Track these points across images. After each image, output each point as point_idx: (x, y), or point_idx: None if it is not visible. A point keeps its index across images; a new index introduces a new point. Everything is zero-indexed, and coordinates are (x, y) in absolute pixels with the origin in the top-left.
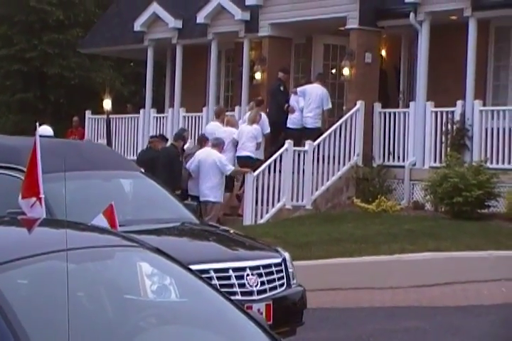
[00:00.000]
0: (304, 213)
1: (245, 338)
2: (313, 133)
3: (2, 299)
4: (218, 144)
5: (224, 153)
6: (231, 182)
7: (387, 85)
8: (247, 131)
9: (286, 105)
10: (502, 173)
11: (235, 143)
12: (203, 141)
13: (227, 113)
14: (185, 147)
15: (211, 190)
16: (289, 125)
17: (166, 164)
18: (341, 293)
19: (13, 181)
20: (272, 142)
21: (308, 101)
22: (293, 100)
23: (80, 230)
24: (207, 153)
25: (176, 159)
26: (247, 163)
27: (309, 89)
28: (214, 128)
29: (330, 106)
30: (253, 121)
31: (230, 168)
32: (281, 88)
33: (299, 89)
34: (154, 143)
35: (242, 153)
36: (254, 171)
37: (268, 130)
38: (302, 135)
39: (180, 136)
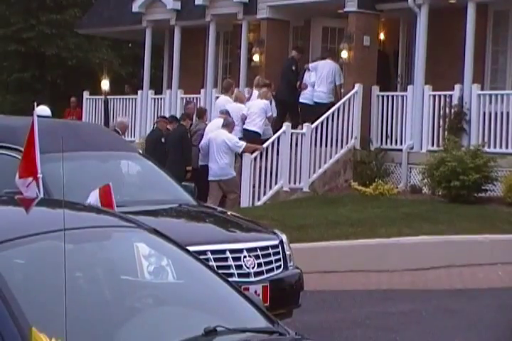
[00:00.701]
0: (302, 196)
1: (242, 319)
2: (327, 108)
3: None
4: (228, 125)
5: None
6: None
7: (389, 68)
8: (257, 106)
9: (299, 82)
10: (499, 157)
11: (244, 118)
12: (202, 113)
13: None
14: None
15: (222, 170)
16: (301, 100)
17: (175, 144)
18: (337, 275)
19: (9, 161)
20: (281, 120)
21: (320, 76)
22: (306, 76)
23: (77, 210)
24: (217, 133)
25: (185, 138)
26: (254, 138)
27: (321, 64)
28: (224, 102)
29: (342, 81)
30: (265, 96)
31: (242, 144)
32: (293, 67)
33: (311, 64)
34: (161, 123)
35: (250, 127)
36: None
37: (275, 113)
38: (315, 110)
39: (188, 115)
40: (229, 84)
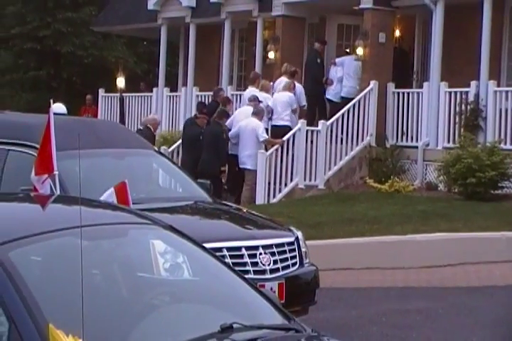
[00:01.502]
0: (317, 193)
1: (258, 316)
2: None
3: (16, 275)
4: (258, 112)
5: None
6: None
7: (408, 65)
8: (281, 100)
9: (325, 78)
10: None
11: (270, 111)
12: (225, 102)
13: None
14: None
15: (249, 158)
16: (328, 96)
17: (210, 143)
18: (353, 272)
19: (26, 158)
20: (309, 114)
21: (348, 71)
22: (332, 71)
23: (93, 207)
24: (247, 121)
25: (221, 137)
26: (284, 131)
27: (348, 60)
28: (251, 94)
29: None
30: (288, 89)
31: (265, 136)
32: (318, 60)
33: (337, 59)
34: (200, 120)
35: (279, 122)
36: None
37: (304, 102)
38: (341, 106)
39: (224, 113)
40: (255, 76)
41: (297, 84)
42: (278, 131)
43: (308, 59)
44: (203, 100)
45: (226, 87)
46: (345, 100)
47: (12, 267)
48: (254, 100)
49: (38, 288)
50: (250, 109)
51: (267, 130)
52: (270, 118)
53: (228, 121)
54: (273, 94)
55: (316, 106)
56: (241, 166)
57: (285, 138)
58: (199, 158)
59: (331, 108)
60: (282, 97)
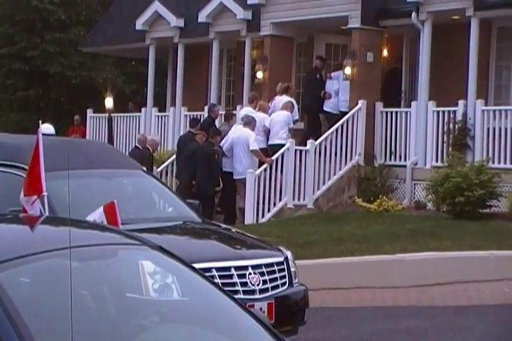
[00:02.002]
0: (306, 212)
1: (248, 336)
2: None
3: (5, 297)
4: (249, 122)
5: (256, 136)
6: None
7: (400, 84)
8: (279, 119)
9: (323, 92)
10: (504, 173)
11: (267, 131)
12: (229, 116)
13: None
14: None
15: (245, 169)
16: (326, 109)
17: (203, 163)
18: (343, 292)
19: (14, 179)
20: (308, 129)
21: (342, 86)
22: (328, 84)
23: (82, 228)
24: (240, 132)
25: (213, 158)
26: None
27: (342, 74)
28: (247, 112)
29: None
30: (286, 108)
31: (255, 147)
32: (318, 76)
33: (333, 73)
34: (199, 136)
35: (275, 141)
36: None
37: (297, 117)
38: (340, 119)
39: (217, 132)
40: (254, 96)
41: (290, 99)
42: (275, 150)
43: (308, 76)
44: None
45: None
46: (343, 113)
47: (0, 288)
48: (246, 117)
49: (26, 310)
50: (243, 129)
51: (265, 149)
52: (267, 138)
53: (223, 141)
54: (271, 113)
55: (317, 122)
56: (236, 177)
57: (274, 157)
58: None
59: (331, 120)
60: (279, 116)
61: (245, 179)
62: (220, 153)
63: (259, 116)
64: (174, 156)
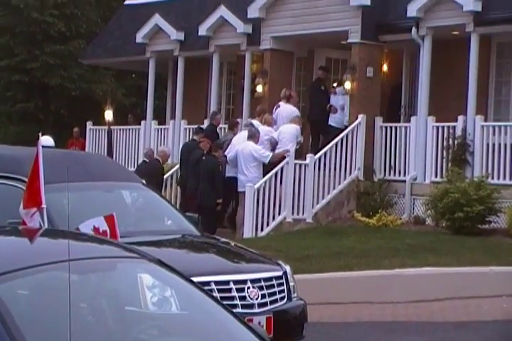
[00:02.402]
0: (305, 226)
1: None
2: None
3: (4, 309)
4: (253, 135)
5: (261, 151)
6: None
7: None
8: (288, 132)
9: (329, 105)
10: (503, 189)
11: (274, 143)
12: (233, 125)
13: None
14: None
15: (250, 181)
16: (331, 123)
17: (207, 177)
18: (341, 307)
19: (14, 191)
20: (313, 141)
21: (349, 100)
22: (333, 99)
23: (81, 241)
24: (244, 145)
25: (217, 170)
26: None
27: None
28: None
29: None
30: (295, 122)
31: (268, 154)
32: (322, 87)
33: (337, 89)
34: (204, 144)
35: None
36: None
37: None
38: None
39: (219, 146)
40: (262, 110)
41: (293, 108)
42: (280, 161)
43: (312, 88)
44: (192, 133)
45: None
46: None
47: None
48: (250, 125)
49: (24, 322)
50: (247, 142)
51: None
52: (273, 150)
53: (228, 149)
54: (276, 121)
55: (320, 133)
56: (240, 190)
57: (271, 173)
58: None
59: (335, 135)
60: (289, 129)
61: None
62: (224, 163)
63: (263, 129)
64: (177, 166)
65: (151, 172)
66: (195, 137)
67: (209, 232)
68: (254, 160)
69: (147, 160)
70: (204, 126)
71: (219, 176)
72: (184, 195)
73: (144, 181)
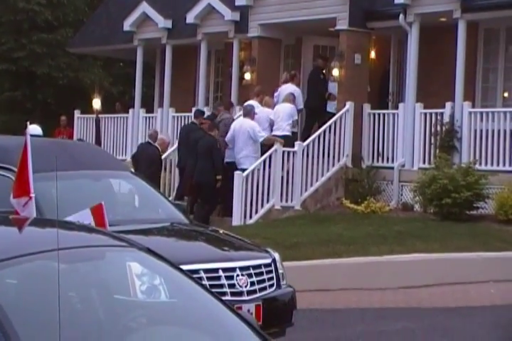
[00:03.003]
0: (294, 214)
1: (236, 338)
2: None
3: None
4: (248, 112)
5: (260, 134)
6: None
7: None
8: (283, 111)
9: (328, 93)
10: (491, 175)
11: (272, 124)
12: (229, 105)
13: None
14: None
15: (246, 158)
16: (330, 110)
17: (204, 154)
18: (330, 293)
19: (3, 180)
20: (307, 127)
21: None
22: (331, 86)
23: (70, 230)
24: (241, 123)
25: (215, 147)
26: (286, 141)
27: None
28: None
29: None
30: (288, 100)
31: (262, 135)
32: (321, 76)
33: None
34: (205, 125)
35: (278, 132)
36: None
37: (301, 106)
38: None
39: (215, 125)
40: (259, 91)
41: (295, 87)
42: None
43: (311, 76)
44: (180, 121)
45: (202, 107)
46: None
47: None
48: (245, 108)
49: (13, 312)
50: (244, 119)
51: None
52: (271, 130)
53: (228, 134)
54: (276, 103)
55: (316, 119)
56: (240, 167)
57: (259, 161)
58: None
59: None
60: (284, 108)
61: (246, 169)
62: (223, 144)
63: (264, 111)
64: (170, 151)
65: (151, 157)
66: (194, 120)
67: (210, 209)
68: (250, 137)
69: (151, 142)
70: (204, 110)
71: (217, 153)
72: (183, 176)
73: (132, 169)
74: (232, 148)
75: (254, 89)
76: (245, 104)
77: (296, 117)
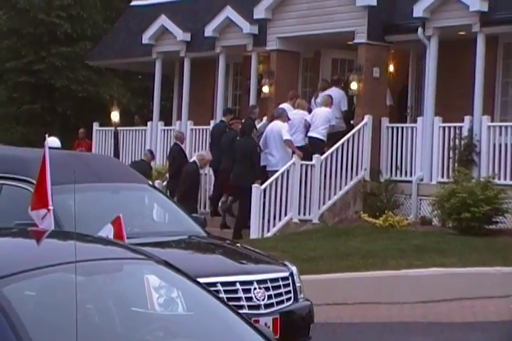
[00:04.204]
0: (311, 227)
1: None
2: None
3: (11, 310)
4: (280, 114)
5: (295, 134)
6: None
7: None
8: (321, 114)
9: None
10: (510, 189)
11: (307, 125)
12: (252, 108)
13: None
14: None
15: (280, 161)
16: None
17: (244, 157)
18: (348, 307)
19: (21, 192)
20: None
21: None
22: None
23: (88, 242)
24: (272, 125)
25: (254, 150)
26: (317, 144)
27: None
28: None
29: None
30: (326, 104)
31: (287, 137)
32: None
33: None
34: (235, 125)
35: (314, 134)
36: (322, 154)
37: (345, 107)
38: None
39: (254, 126)
40: (294, 95)
41: (339, 90)
42: (312, 143)
43: None
44: (198, 134)
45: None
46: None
47: (6, 302)
48: (277, 111)
49: (31, 323)
50: (275, 121)
51: (303, 147)
52: (307, 132)
53: (261, 138)
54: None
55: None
56: (269, 169)
57: (277, 174)
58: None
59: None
60: (322, 112)
61: (277, 171)
62: (258, 135)
63: (298, 113)
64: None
65: (186, 173)
66: (223, 118)
67: (246, 212)
68: (282, 139)
69: (178, 143)
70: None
71: (256, 156)
72: (218, 178)
73: (150, 182)
74: (266, 152)
75: (289, 93)
76: (278, 106)
77: (333, 123)
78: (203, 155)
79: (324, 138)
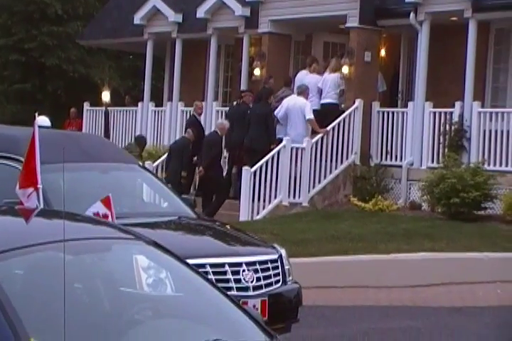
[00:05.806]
0: (301, 210)
1: (241, 333)
2: None
3: None
4: (303, 91)
5: (311, 99)
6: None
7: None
8: (331, 80)
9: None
10: (499, 175)
11: (319, 91)
12: (288, 80)
13: None
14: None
15: (301, 137)
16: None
17: (258, 122)
18: (336, 290)
19: (10, 171)
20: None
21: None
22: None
23: (77, 221)
24: (294, 101)
25: (269, 115)
26: (332, 109)
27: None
28: (302, 76)
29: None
30: (335, 69)
31: (310, 117)
32: None
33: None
34: (247, 97)
35: (326, 100)
36: (338, 118)
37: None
38: None
39: (271, 92)
40: (312, 60)
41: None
42: (326, 109)
43: None
44: (188, 116)
45: (211, 102)
46: None
47: None
48: (300, 87)
49: (20, 302)
50: (298, 97)
51: (317, 111)
52: (320, 97)
53: (277, 109)
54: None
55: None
56: (292, 145)
57: (268, 156)
58: (245, 133)
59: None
60: (331, 77)
61: (301, 147)
62: (279, 100)
63: (312, 77)
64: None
65: (209, 143)
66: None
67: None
68: (304, 116)
69: (196, 115)
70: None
71: (272, 121)
72: (229, 149)
73: (140, 163)
74: (285, 125)
75: (307, 60)
76: (298, 75)
77: (343, 87)
78: (222, 123)
79: (337, 102)
